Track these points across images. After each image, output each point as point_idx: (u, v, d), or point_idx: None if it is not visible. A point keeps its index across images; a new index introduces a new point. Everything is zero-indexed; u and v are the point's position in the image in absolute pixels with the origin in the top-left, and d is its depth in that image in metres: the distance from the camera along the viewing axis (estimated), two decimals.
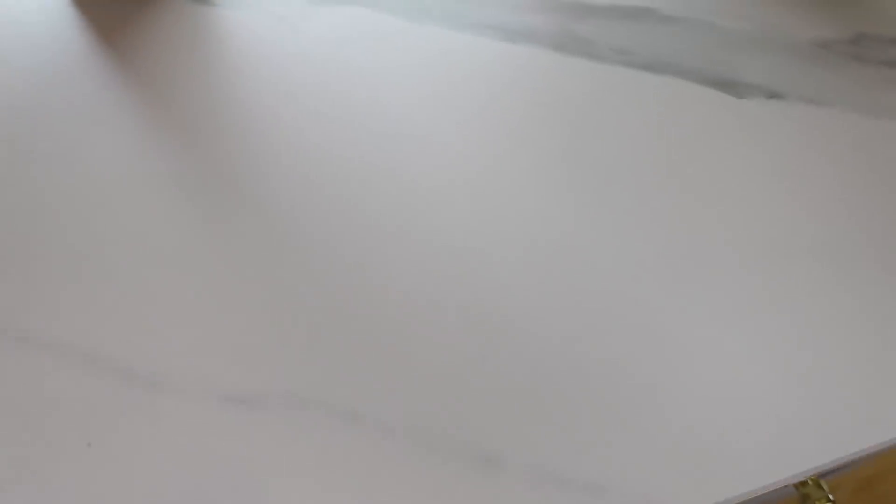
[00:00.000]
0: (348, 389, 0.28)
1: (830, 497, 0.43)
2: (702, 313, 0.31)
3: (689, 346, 0.30)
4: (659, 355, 0.29)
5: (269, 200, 0.33)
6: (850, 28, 0.40)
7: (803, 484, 0.43)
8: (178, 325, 0.29)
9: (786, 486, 0.49)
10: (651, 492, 0.26)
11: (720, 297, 0.31)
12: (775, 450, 0.28)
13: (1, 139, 0.34)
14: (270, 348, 0.29)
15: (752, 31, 0.40)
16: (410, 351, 0.29)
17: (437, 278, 0.31)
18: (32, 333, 0.28)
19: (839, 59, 0.39)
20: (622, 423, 0.28)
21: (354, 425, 0.27)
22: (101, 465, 0.26)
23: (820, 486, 0.47)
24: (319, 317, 0.30)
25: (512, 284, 0.31)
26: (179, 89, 0.37)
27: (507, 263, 0.31)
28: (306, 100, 0.37)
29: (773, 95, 0.38)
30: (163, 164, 0.34)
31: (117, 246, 0.31)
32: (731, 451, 0.27)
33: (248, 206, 0.33)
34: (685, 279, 0.31)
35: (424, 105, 0.37)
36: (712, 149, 0.36)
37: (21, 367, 0.28)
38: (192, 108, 0.36)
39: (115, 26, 0.39)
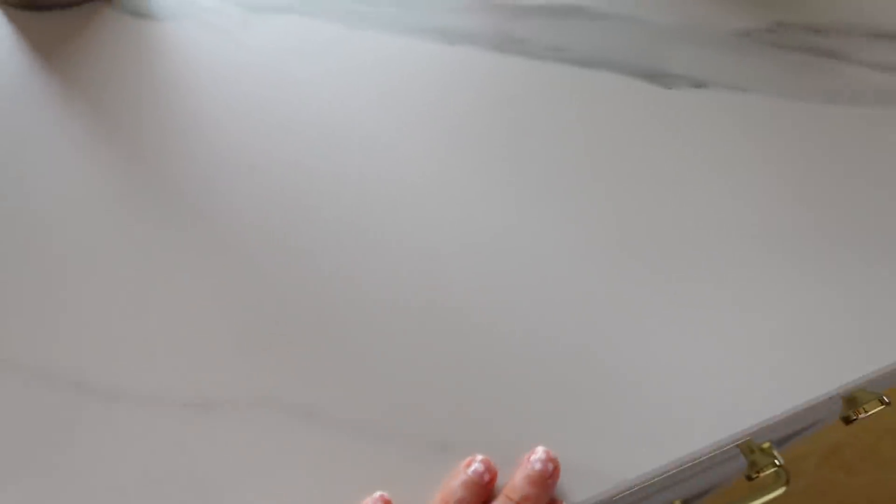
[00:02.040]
0: (303, 388, 0.29)
1: (778, 462, 0.46)
2: (641, 295, 0.32)
3: (627, 325, 0.31)
4: (598, 335, 0.31)
5: (216, 210, 0.34)
6: (767, 17, 0.42)
7: (750, 450, 0.45)
8: (131, 336, 0.30)
9: (735, 451, 0.52)
10: (595, 462, 0.28)
11: (659, 278, 0.33)
12: (717, 416, 0.30)
13: None
14: (227, 353, 0.29)
15: (677, 23, 0.42)
16: (361, 348, 0.30)
17: (385, 277, 0.32)
18: None
19: (759, 48, 0.41)
20: (568, 402, 0.29)
21: (310, 422, 0.28)
22: (62, 477, 0.26)
23: (766, 452, 0.50)
24: (271, 320, 0.30)
25: (457, 278, 0.32)
26: (121, 103, 0.37)
27: (452, 257, 0.33)
28: (248, 109, 0.37)
29: (698, 84, 0.40)
30: (107, 179, 0.34)
31: (65, 261, 0.31)
32: (673, 421, 0.29)
33: (196, 216, 0.33)
34: (625, 264, 0.33)
35: (366, 109, 0.38)
36: (645, 137, 0.38)
37: None
38: (134, 122, 0.36)
39: (54, 43, 0.39)
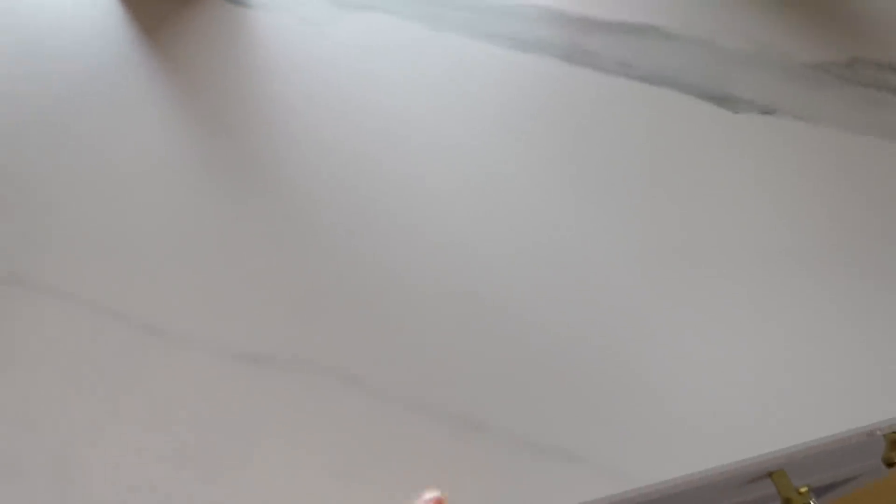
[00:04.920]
0: (349, 355, 0.31)
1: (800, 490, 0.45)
2: (687, 307, 0.33)
3: (671, 334, 0.32)
4: (642, 341, 0.31)
5: (287, 186, 0.36)
6: (845, 52, 0.42)
7: (786, 488, 0.44)
8: (201, 290, 0.32)
9: (771, 489, 0.51)
10: (622, 463, 0.28)
11: (707, 295, 0.33)
12: (747, 433, 0.30)
13: (49, 123, 0.38)
14: (282, 314, 0.31)
15: (751, 50, 0.42)
16: (412, 326, 0.31)
17: (444, 264, 0.33)
18: (72, 292, 0.31)
19: (832, 80, 0.41)
20: (602, 401, 0.30)
21: (352, 388, 0.30)
22: (122, 410, 0.29)
23: (802, 495, 0.49)
24: (329, 290, 0.32)
25: (513, 273, 0.33)
26: (211, 83, 0.40)
27: (511, 254, 0.34)
28: (327, 98, 0.40)
29: (766, 111, 0.40)
30: (193, 150, 0.37)
31: (151, 219, 0.34)
32: (702, 432, 0.29)
33: (269, 190, 0.36)
34: (674, 276, 0.34)
35: (437, 106, 0.39)
36: (705, 157, 0.38)
37: (61, 321, 0.31)
38: (221, 101, 0.39)
39: (156, 23, 0.43)
